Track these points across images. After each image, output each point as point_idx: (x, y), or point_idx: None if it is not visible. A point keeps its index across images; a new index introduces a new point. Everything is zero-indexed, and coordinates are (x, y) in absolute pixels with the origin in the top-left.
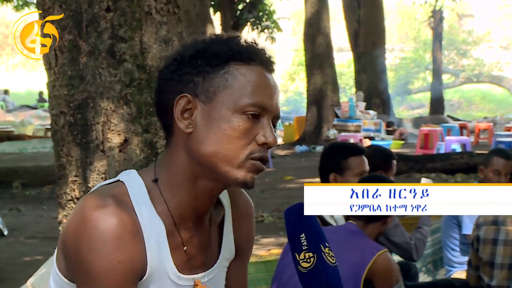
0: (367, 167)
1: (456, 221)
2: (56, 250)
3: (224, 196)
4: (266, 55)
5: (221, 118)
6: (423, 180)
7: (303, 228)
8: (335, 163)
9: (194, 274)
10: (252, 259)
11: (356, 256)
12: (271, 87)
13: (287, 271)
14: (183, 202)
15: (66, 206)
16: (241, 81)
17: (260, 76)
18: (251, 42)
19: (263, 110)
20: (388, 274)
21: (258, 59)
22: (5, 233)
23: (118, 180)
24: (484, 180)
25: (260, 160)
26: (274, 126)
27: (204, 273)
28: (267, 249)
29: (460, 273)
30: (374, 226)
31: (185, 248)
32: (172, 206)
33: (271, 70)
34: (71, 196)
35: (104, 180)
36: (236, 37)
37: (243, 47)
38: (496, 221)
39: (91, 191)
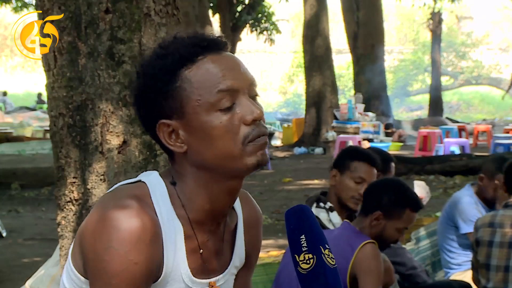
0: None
1: (452, 222)
2: (71, 246)
3: (237, 203)
4: (209, 38)
5: (201, 125)
6: (416, 183)
7: (303, 230)
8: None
9: (207, 278)
10: None
11: (344, 251)
12: (228, 66)
13: (282, 274)
14: (200, 207)
15: (65, 207)
16: (198, 82)
17: (212, 64)
18: (190, 36)
19: (233, 93)
20: (369, 263)
21: (201, 50)
22: (4, 234)
23: (139, 181)
24: (487, 190)
25: (258, 136)
26: (254, 97)
27: (217, 277)
28: (266, 251)
29: (458, 275)
30: (365, 222)
31: (201, 251)
32: (190, 210)
33: (221, 49)
34: (70, 198)
35: (103, 181)
36: (174, 40)
37: (183, 48)
38: (492, 223)
39: (110, 190)
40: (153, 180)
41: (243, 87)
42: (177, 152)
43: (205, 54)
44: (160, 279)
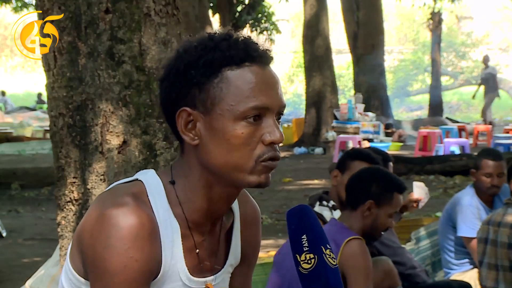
0: None
1: (452, 223)
2: (69, 247)
3: (234, 202)
4: (260, 50)
5: (222, 129)
6: (415, 183)
7: (304, 229)
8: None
9: (203, 277)
10: None
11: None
12: (268, 83)
13: (283, 265)
14: (198, 207)
15: (65, 207)
16: (236, 87)
17: (255, 75)
18: (243, 40)
19: (264, 110)
20: (355, 260)
21: (251, 58)
22: (4, 234)
23: (136, 179)
24: (478, 184)
25: (271, 159)
26: (279, 118)
27: (213, 276)
28: (266, 251)
29: (458, 275)
30: (354, 216)
31: (197, 251)
32: (187, 209)
33: (266, 64)
34: (70, 198)
35: (103, 181)
36: (227, 38)
37: (234, 50)
38: (488, 221)
39: (107, 189)
40: (150, 179)
41: (274, 107)
42: (188, 144)
43: (252, 63)
44: (158, 277)
